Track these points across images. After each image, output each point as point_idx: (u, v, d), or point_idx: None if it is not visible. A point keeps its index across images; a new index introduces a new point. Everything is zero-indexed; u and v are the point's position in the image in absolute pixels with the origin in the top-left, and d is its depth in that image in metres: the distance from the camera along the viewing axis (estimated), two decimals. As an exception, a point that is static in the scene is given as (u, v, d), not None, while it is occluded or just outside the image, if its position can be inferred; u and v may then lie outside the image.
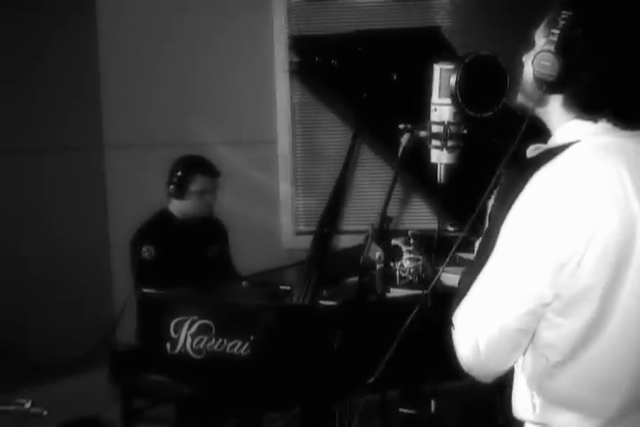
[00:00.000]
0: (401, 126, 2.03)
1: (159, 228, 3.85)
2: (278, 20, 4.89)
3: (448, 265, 2.93)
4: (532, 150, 1.65)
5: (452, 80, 1.87)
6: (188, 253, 3.83)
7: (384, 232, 2.16)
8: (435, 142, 1.95)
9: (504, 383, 2.19)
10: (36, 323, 4.59)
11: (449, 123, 1.93)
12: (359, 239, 3.94)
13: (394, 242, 3.00)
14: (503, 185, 1.59)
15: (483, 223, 2.11)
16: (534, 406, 1.60)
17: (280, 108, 4.95)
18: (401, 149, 2.05)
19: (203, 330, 2.83)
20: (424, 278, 2.66)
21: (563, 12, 1.58)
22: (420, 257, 2.87)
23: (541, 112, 1.68)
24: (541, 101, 1.64)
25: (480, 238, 1.67)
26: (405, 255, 2.92)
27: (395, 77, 2.84)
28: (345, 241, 4.17)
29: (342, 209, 2.94)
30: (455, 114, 1.93)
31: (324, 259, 2.82)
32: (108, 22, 5.02)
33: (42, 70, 4.71)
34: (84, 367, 4.40)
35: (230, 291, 3.24)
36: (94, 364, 4.10)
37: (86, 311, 4.83)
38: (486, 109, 1.90)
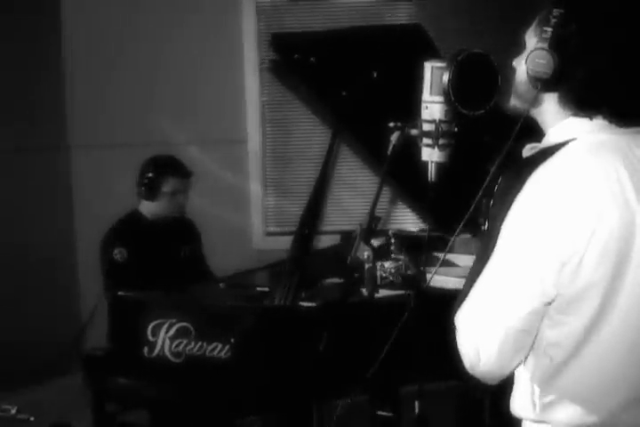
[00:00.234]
0: (391, 124, 2.02)
1: (131, 229, 3.82)
2: (247, 18, 4.87)
3: (432, 265, 2.95)
4: (527, 150, 1.66)
5: (445, 78, 1.87)
6: (160, 255, 3.81)
7: (372, 232, 2.16)
8: (426, 141, 1.96)
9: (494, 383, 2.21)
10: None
11: (440, 121, 1.93)
12: (335, 240, 3.96)
13: (374, 242, 3.00)
14: (501, 185, 1.60)
15: (476, 223, 2.12)
16: (534, 405, 1.61)
17: (250, 106, 4.93)
18: (390, 148, 2.04)
19: (181, 333, 2.80)
20: (407, 278, 2.66)
21: (554, 9, 1.60)
22: (402, 257, 2.87)
23: (536, 112, 1.69)
24: (536, 101, 1.66)
25: (480, 240, 1.67)
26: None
27: (375, 75, 2.83)
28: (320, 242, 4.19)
29: (322, 209, 2.93)
30: (446, 112, 1.93)
31: (304, 259, 2.82)
32: (72, 21, 4.96)
33: (4, 70, 4.64)
34: (54, 373, 4.34)
35: (208, 293, 3.22)
36: (64, 369, 4.06)
37: (53, 315, 4.77)
38: (478, 107, 1.90)
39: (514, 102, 1.72)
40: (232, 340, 2.71)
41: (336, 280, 3.42)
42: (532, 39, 1.65)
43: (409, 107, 2.73)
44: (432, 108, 1.94)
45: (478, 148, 2.27)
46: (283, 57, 2.98)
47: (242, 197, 4.97)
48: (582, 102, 1.62)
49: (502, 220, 1.56)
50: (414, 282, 2.61)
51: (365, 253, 2.35)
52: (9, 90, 4.66)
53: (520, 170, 1.58)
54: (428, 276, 2.74)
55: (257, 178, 4.97)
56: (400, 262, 2.92)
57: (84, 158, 5.03)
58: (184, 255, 3.95)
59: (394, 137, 2.04)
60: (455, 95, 1.87)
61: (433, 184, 1.99)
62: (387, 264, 2.94)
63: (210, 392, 2.82)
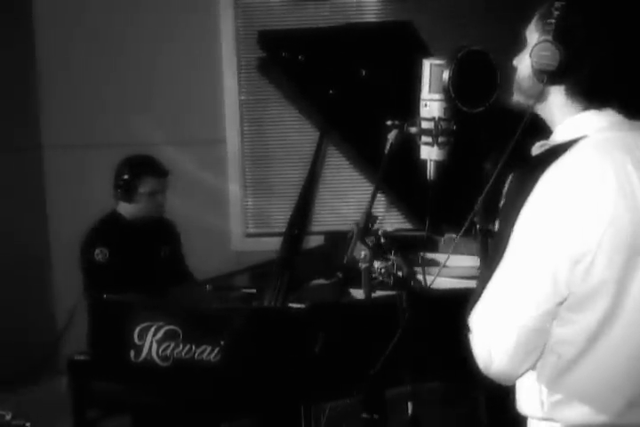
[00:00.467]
0: (388, 123, 2.04)
1: (112, 229, 3.81)
2: (225, 17, 4.87)
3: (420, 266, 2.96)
4: (537, 147, 1.68)
5: (445, 75, 1.89)
6: (140, 255, 3.81)
7: (369, 231, 2.17)
8: (425, 139, 1.97)
9: (488, 383, 2.23)
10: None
11: (440, 118, 1.94)
12: (318, 240, 3.98)
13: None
14: (512, 185, 1.62)
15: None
16: (542, 403, 1.63)
17: (228, 106, 4.92)
18: (388, 146, 2.05)
19: (169, 336, 2.79)
20: (398, 279, 2.67)
21: (556, 2, 1.62)
22: (392, 257, 2.88)
23: (541, 108, 1.71)
24: (541, 96, 1.67)
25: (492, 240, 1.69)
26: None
27: (364, 73, 2.85)
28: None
29: (312, 210, 2.94)
30: (446, 109, 1.95)
31: (294, 260, 2.82)
32: (46, 20, 4.93)
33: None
34: (29, 379, 4.30)
35: (195, 295, 3.21)
36: (41, 375, 4.02)
37: (26, 316, 4.73)
38: (478, 105, 1.92)
39: (517, 98, 1.74)
40: (222, 342, 2.71)
41: (322, 281, 3.44)
42: (533, 34, 1.67)
43: (399, 105, 2.76)
44: (431, 105, 1.95)
45: (474, 146, 2.29)
46: (270, 55, 2.98)
47: (221, 198, 4.96)
48: (591, 94, 1.64)
49: (514, 220, 1.58)
50: (406, 282, 2.62)
51: (362, 253, 2.36)
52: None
53: (531, 169, 1.60)
54: (420, 277, 2.77)
55: (236, 178, 4.96)
56: (390, 262, 2.92)
57: (58, 159, 4.99)
58: (164, 256, 3.94)
59: (391, 135, 2.05)
60: (455, 92, 1.89)
61: (432, 183, 2.00)
62: (376, 264, 2.94)
63: (198, 396, 2.82)
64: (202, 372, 2.75)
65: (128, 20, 4.90)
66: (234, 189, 4.97)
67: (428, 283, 2.27)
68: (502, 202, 1.66)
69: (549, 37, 1.61)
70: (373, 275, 2.98)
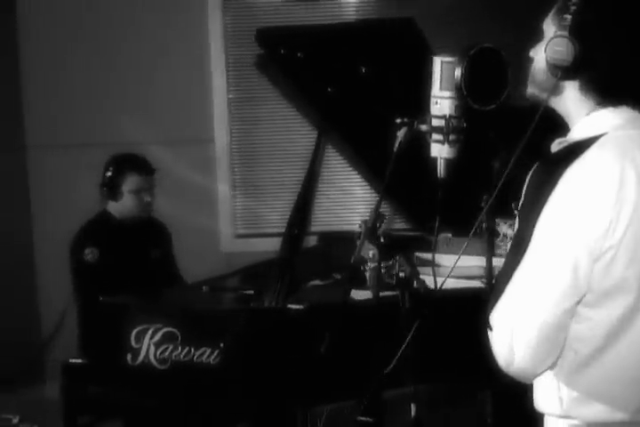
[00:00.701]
0: (398, 120, 2.04)
1: (102, 229, 3.81)
2: (213, 15, 4.86)
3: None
4: (556, 144, 1.70)
5: (457, 72, 1.90)
6: (132, 256, 3.80)
7: (377, 230, 2.18)
8: (435, 136, 1.97)
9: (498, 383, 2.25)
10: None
11: (450, 116, 1.95)
12: (312, 241, 3.98)
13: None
14: (532, 183, 1.63)
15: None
16: (561, 400, 1.65)
17: (217, 105, 4.92)
18: (397, 144, 2.06)
19: (167, 338, 2.80)
20: (401, 278, 2.68)
21: None
22: (396, 257, 2.89)
23: (556, 102, 1.73)
24: (555, 90, 1.69)
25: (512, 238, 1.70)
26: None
27: (363, 71, 2.86)
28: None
29: (311, 209, 2.95)
30: (456, 107, 1.96)
31: (294, 261, 2.83)
32: (29, 19, 4.90)
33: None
34: (17, 384, 4.28)
35: (192, 297, 3.21)
36: (29, 380, 4.00)
37: (10, 319, 4.70)
38: (489, 102, 1.94)
39: (532, 91, 1.75)
40: (221, 344, 2.72)
41: (317, 282, 3.45)
42: (550, 27, 1.69)
43: (400, 103, 2.77)
44: (442, 103, 1.96)
45: (481, 144, 2.31)
46: (268, 52, 2.99)
47: (209, 199, 4.95)
48: (606, 90, 1.66)
49: (535, 218, 1.59)
50: (408, 282, 2.63)
51: (371, 252, 2.37)
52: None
53: (551, 167, 1.61)
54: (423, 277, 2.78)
55: (225, 178, 4.96)
56: (391, 262, 2.93)
57: (42, 159, 4.97)
58: (155, 257, 3.94)
59: (401, 133, 2.05)
60: (467, 90, 1.90)
61: (442, 181, 2.01)
62: (370, 266, 2.95)
63: (197, 399, 2.82)
64: (201, 374, 2.75)
65: (113, 19, 4.88)
66: (223, 189, 4.96)
67: (434, 284, 2.26)
68: (522, 200, 1.67)
69: (565, 32, 1.63)
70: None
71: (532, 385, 1.73)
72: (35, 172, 5.01)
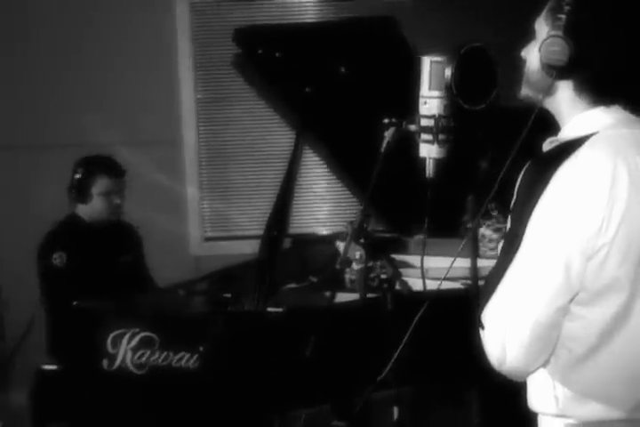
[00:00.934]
0: (385, 121, 2.07)
1: (70, 233, 3.80)
2: (181, 15, 4.85)
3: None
4: (548, 144, 1.73)
5: (447, 72, 1.92)
6: (101, 260, 3.79)
7: (364, 231, 2.20)
8: (425, 136, 2.00)
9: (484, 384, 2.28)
10: None
11: (440, 116, 1.98)
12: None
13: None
14: (524, 182, 1.66)
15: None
16: (556, 399, 1.68)
17: (184, 105, 4.91)
18: (385, 144, 2.08)
19: (145, 343, 2.79)
20: (383, 280, 2.71)
21: None
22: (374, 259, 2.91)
23: (549, 102, 1.76)
24: (550, 90, 1.72)
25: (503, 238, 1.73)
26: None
27: (343, 70, 2.88)
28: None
29: (290, 211, 2.96)
30: (446, 106, 1.98)
31: (274, 263, 2.84)
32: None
33: None
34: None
35: (170, 300, 3.21)
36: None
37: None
38: (479, 102, 1.97)
39: (526, 92, 1.79)
40: (200, 348, 2.72)
41: (293, 285, 3.46)
42: (543, 27, 1.72)
43: (380, 103, 2.80)
44: (431, 103, 1.98)
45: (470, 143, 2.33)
46: (245, 52, 3.00)
47: (177, 201, 4.93)
48: (600, 90, 1.69)
49: (527, 217, 1.62)
50: (391, 284, 2.66)
51: (357, 254, 2.39)
52: None
53: (543, 166, 1.64)
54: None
55: (193, 180, 4.94)
56: (371, 264, 2.96)
57: (3, 160, 4.90)
58: (125, 261, 3.93)
59: (389, 133, 2.08)
60: (457, 89, 1.93)
61: (431, 181, 2.03)
62: (356, 267, 2.98)
63: (175, 404, 2.82)
64: (179, 379, 2.75)
65: (80, 18, 4.84)
66: (191, 191, 4.95)
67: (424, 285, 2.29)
68: (514, 199, 1.70)
69: (559, 32, 1.66)
70: (352, 277, 3.03)
71: (524, 384, 1.77)
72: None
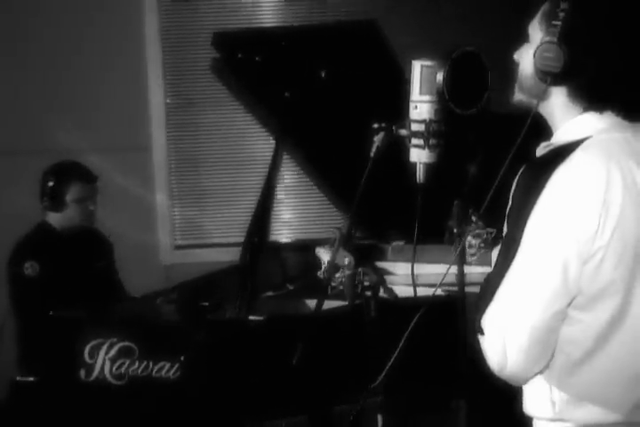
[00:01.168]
0: (375, 125, 2.09)
1: (41, 242, 3.79)
2: (150, 17, 4.84)
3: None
4: (541, 148, 1.76)
5: (439, 76, 1.95)
6: (73, 269, 3.78)
7: (352, 237, 2.22)
8: (415, 141, 2.02)
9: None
10: None
11: (431, 120, 2.00)
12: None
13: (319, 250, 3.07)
14: (520, 187, 1.69)
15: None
16: (553, 403, 1.71)
17: (153, 111, 4.89)
18: (374, 149, 2.11)
19: (124, 353, 2.79)
20: (366, 287, 2.73)
21: (561, 3, 1.70)
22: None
23: (542, 106, 1.79)
24: (543, 95, 1.76)
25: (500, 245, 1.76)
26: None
27: (323, 75, 2.90)
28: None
29: (270, 217, 2.98)
30: (436, 111, 2.01)
31: (256, 269, 2.86)
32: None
33: None
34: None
35: (149, 309, 3.20)
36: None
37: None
38: (470, 106, 2.00)
39: (519, 97, 1.81)
40: (182, 358, 2.72)
41: (271, 293, 3.47)
42: (537, 32, 1.75)
43: (361, 107, 2.82)
44: (422, 107, 2.00)
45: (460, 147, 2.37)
46: (224, 56, 3.00)
47: (147, 209, 4.90)
48: (594, 96, 1.73)
49: (523, 222, 1.65)
50: (375, 291, 2.69)
51: (346, 260, 2.40)
52: None
53: (538, 170, 1.67)
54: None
55: (163, 187, 4.93)
56: (356, 271, 2.98)
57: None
58: (97, 269, 3.93)
59: (378, 138, 2.10)
60: (449, 94, 1.96)
61: (421, 186, 2.06)
62: (337, 274, 2.99)
63: (155, 415, 2.81)
64: (159, 390, 2.75)
65: (46, 20, 4.82)
66: (161, 198, 4.93)
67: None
68: (509, 204, 1.72)
69: (554, 39, 1.69)
70: (334, 284, 3.04)
71: (520, 389, 1.79)
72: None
